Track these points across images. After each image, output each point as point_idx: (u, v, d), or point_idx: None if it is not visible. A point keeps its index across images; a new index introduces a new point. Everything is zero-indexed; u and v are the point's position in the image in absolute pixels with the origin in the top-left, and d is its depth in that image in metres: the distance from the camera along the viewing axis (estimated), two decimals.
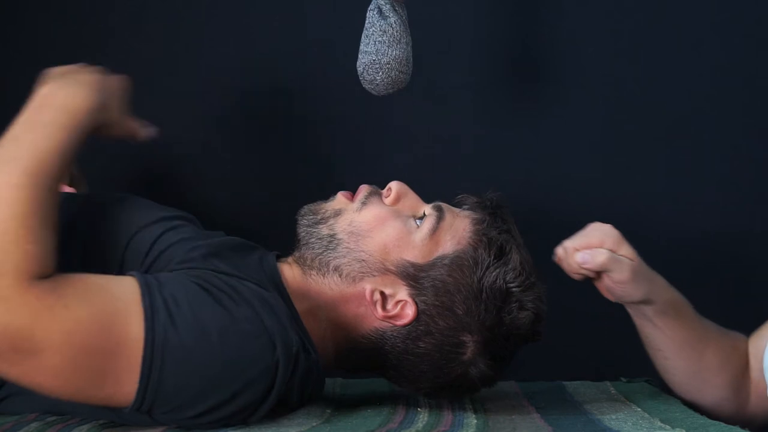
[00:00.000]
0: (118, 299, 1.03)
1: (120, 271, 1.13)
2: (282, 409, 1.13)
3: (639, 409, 1.26)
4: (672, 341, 1.29)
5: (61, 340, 0.98)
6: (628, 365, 1.45)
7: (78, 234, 1.16)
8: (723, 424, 1.10)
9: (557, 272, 1.25)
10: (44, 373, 1.00)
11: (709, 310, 1.35)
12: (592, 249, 1.22)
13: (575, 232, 1.27)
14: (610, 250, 1.22)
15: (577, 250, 1.23)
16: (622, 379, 1.49)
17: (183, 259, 1.13)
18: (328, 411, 1.21)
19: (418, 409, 1.25)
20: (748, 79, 1.77)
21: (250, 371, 1.05)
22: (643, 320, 1.29)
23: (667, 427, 1.11)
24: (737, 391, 1.32)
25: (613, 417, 1.21)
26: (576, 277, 1.25)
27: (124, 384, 1.01)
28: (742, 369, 1.32)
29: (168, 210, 1.25)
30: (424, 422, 1.17)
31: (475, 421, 1.18)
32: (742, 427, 1.10)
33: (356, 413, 1.21)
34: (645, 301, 1.26)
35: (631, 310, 1.30)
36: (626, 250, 1.23)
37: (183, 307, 1.03)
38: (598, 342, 1.67)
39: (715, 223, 1.75)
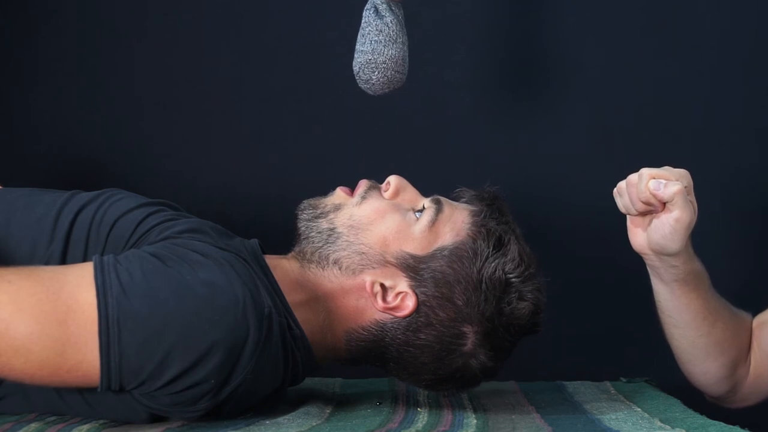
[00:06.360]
0: (69, 274, 1.05)
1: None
2: (267, 383, 1.13)
3: (639, 409, 1.25)
4: (687, 310, 1.29)
5: (10, 310, 1.00)
6: (628, 365, 1.45)
7: (61, 225, 1.17)
8: (723, 424, 1.10)
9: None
10: (5, 349, 1.00)
11: None
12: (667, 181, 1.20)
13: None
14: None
15: (653, 177, 1.21)
16: (622, 379, 1.49)
17: (162, 237, 1.15)
18: (328, 411, 1.21)
19: (418, 409, 1.25)
20: (746, 81, 1.77)
21: (212, 333, 1.04)
22: (661, 285, 1.29)
23: (667, 427, 1.11)
24: (735, 370, 1.33)
25: (613, 417, 1.20)
26: (631, 210, 1.23)
27: (86, 352, 1.02)
28: (745, 349, 1.33)
29: (150, 199, 1.26)
30: (424, 422, 1.17)
31: (475, 421, 1.18)
32: (728, 408, 1.09)
33: (356, 413, 1.20)
34: (675, 256, 1.23)
35: (652, 270, 1.29)
36: (694, 199, 1.21)
37: (136, 278, 1.04)
38: (598, 342, 1.67)
39: (713, 221, 1.75)
